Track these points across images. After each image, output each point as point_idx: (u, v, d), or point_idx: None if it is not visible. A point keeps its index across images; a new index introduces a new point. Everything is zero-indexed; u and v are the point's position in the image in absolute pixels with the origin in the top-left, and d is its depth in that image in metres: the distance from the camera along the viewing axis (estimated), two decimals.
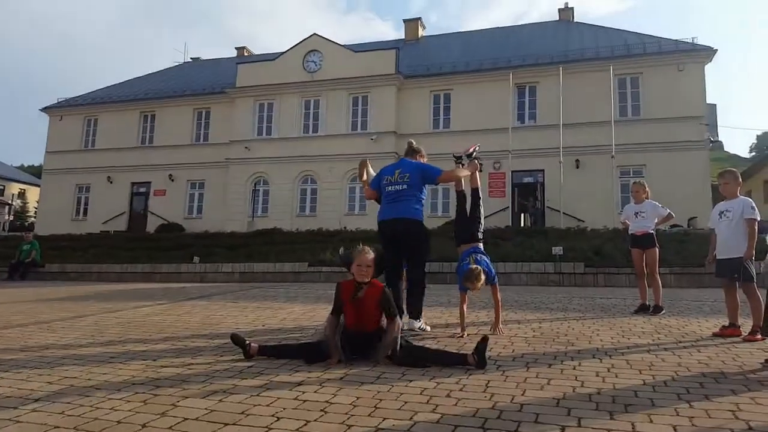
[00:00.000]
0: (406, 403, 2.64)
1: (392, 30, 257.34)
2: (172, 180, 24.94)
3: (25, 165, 67.55)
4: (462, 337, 4.35)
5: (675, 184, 17.72)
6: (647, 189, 6.20)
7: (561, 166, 18.33)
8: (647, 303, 5.90)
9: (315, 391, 2.86)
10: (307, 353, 3.55)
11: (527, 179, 20.90)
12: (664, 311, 5.77)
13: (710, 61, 20.00)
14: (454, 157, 5.17)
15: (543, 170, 20.33)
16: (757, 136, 68.28)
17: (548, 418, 2.39)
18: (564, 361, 3.54)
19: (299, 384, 3.01)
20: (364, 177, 5.19)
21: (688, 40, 20.77)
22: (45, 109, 28.10)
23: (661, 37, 21.55)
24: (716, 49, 19.74)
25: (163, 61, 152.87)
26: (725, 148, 70.08)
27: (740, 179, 4.78)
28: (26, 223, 30.27)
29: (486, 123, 20.49)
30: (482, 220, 4.77)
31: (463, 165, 5.05)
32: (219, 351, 3.89)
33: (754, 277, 4.42)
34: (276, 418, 2.43)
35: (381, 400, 2.70)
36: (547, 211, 19.85)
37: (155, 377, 3.18)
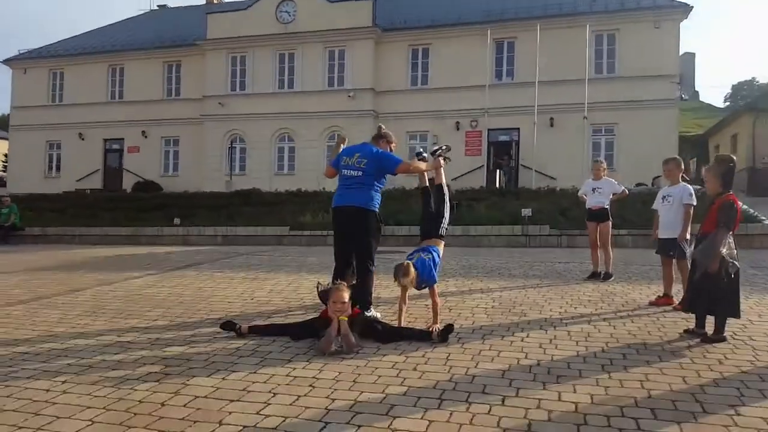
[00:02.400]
0: (380, 377, 3.18)
1: None
2: (146, 137, 24.64)
3: None
4: None
5: (644, 142, 18.40)
6: (605, 167, 6.85)
7: (535, 126, 18.76)
8: (598, 270, 6.59)
9: (304, 367, 3.39)
10: (294, 333, 4.05)
11: (503, 137, 21.34)
12: (613, 277, 6.46)
13: (686, 18, 20.27)
14: (416, 154, 5.02)
15: (518, 129, 20.74)
16: (733, 86, 69.17)
17: (493, 389, 2.96)
18: (515, 332, 4.13)
19: (290, 360, 3.53)
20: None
21: None
22: (6, 61, 27.06)
23: None
24: (692, 6, 19.94)
25: (125, 8, 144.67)
26: (701, 98, 71.06)
27: (683, 165, 5.39)
28: None
29: (464, 80, 20.60)
30: (446, 217, 4.63)
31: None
32: (215, 326, 4.34)
33: (687, 255, 5.04)
34: (272, 394, 2.95)
35: (359, 374, 3.23)
36: (520, 169, 20.44)
37: (162, 356, 3.65)
